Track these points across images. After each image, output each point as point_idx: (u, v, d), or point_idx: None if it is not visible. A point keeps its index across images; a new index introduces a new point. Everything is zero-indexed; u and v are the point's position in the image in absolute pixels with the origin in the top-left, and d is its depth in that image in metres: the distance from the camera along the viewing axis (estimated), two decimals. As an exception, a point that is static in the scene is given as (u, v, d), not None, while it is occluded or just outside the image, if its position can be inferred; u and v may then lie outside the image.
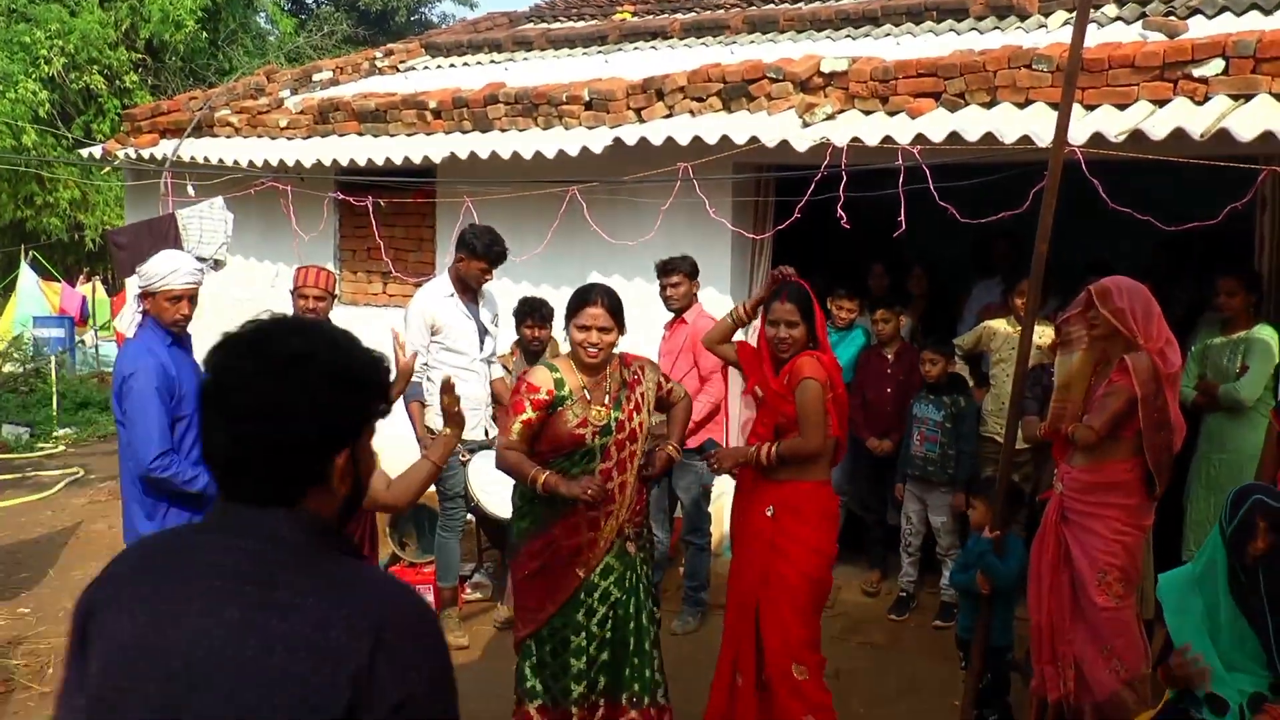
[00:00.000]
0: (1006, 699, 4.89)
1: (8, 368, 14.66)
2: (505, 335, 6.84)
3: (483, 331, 6.36)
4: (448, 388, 3.88)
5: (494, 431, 6.44)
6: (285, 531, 1.80)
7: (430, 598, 6.49)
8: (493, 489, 6.34)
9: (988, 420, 6.81)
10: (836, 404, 4.69)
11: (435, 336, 6.21)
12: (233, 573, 1.76)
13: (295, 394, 1.79)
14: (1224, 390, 5.71)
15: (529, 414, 4.49)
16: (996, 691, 4.87)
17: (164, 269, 4.71)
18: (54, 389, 13.58)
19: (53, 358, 14.45)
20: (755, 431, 4.86)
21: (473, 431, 6.21)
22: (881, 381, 7.02)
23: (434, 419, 5.83)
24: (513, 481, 6.36)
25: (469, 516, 6.71)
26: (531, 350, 6.85)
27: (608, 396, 4.59)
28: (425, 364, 6.23)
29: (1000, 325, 6.86)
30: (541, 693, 4.56)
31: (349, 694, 1.69)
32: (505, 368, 6.86)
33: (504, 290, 7.15)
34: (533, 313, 6.79)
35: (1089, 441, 4.75)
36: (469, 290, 6.35)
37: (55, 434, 12.43)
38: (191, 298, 4.81)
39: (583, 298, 4.56)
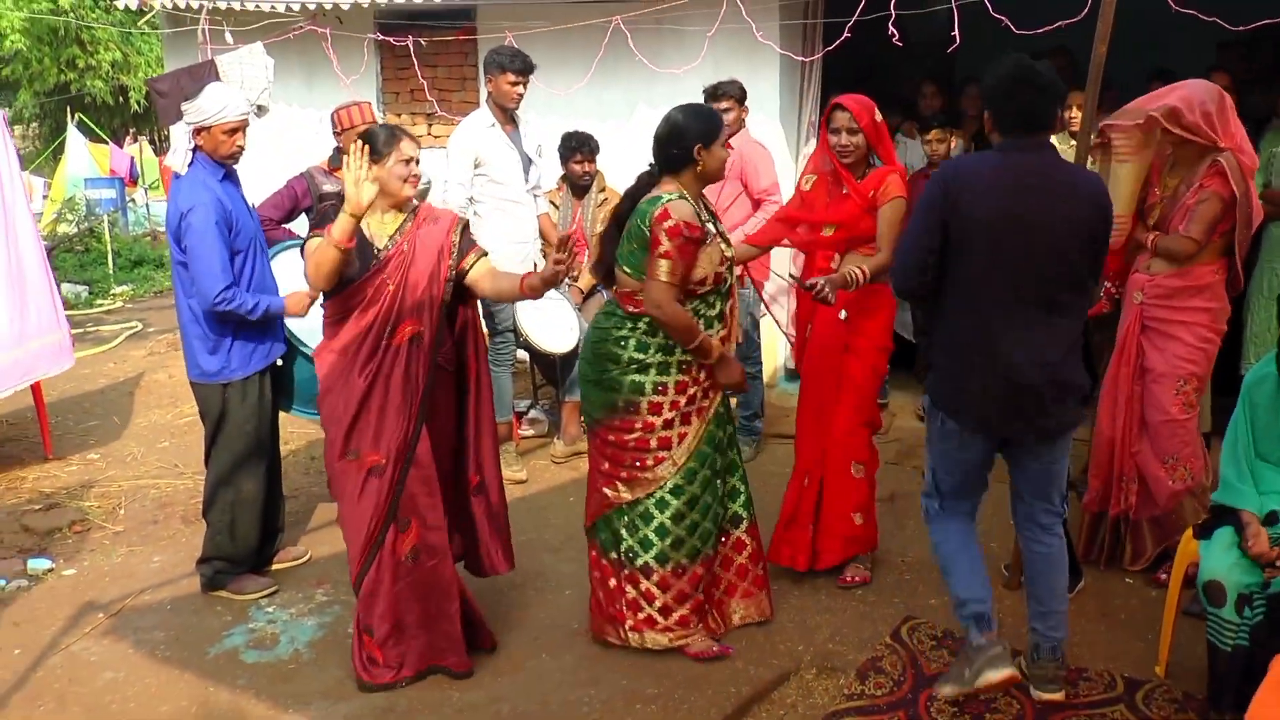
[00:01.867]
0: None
1: (62, 228, 14.79)
2: (551, 170, 6.75)
3: (527, 162, 6.27)
4: (358, 149, 3.92)
5: (541, 264, 6.41)
6: None
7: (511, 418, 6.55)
8: (544, 325, 6.34)
9: None
10: None
11: (479, 169, 6.13)
12: None
13: None
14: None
15: (684, 258, 4.13)
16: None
17: (218, 102, 4.72)
18: (108, 248, 13.72)
19: (105, 217, 14.55)
20: (822, 250, 4.90)
21: (521, 265, 6.17)
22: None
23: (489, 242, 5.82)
24: (564, 316, 6.40)
25: (521, 353, 6.72)
26: (579, 185, 6.77)
27: (718, 228, 4.41)
28: (470, 198, 6.18)
29: (1052, 140, 6.65)
30: (673, 550, 4.36)
31: None
32: (552, 203, 6.79)
33: (550, 126, 7.03)
34: (580, 147, 6.70)
35: (1190, 252, 4.66)
36: (510, 120, 6.24)
37: (112, 291, 12.59)
38: (244, 129, 4.84)
39: (719, 118, 4.37)
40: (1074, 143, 6.24)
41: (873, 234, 4.74)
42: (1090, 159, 4.87)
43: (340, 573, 5.15)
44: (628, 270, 4.23)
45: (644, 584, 4.35)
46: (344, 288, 4.04)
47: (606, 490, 4.38)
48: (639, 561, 4.34)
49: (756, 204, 6.28)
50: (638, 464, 4.30)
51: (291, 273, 5.05)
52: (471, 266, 4.18)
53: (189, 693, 4.27)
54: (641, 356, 4.24)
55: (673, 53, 7.24)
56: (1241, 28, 5.32)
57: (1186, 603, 4.27)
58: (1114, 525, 5.01)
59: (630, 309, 4.25)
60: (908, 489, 6.02)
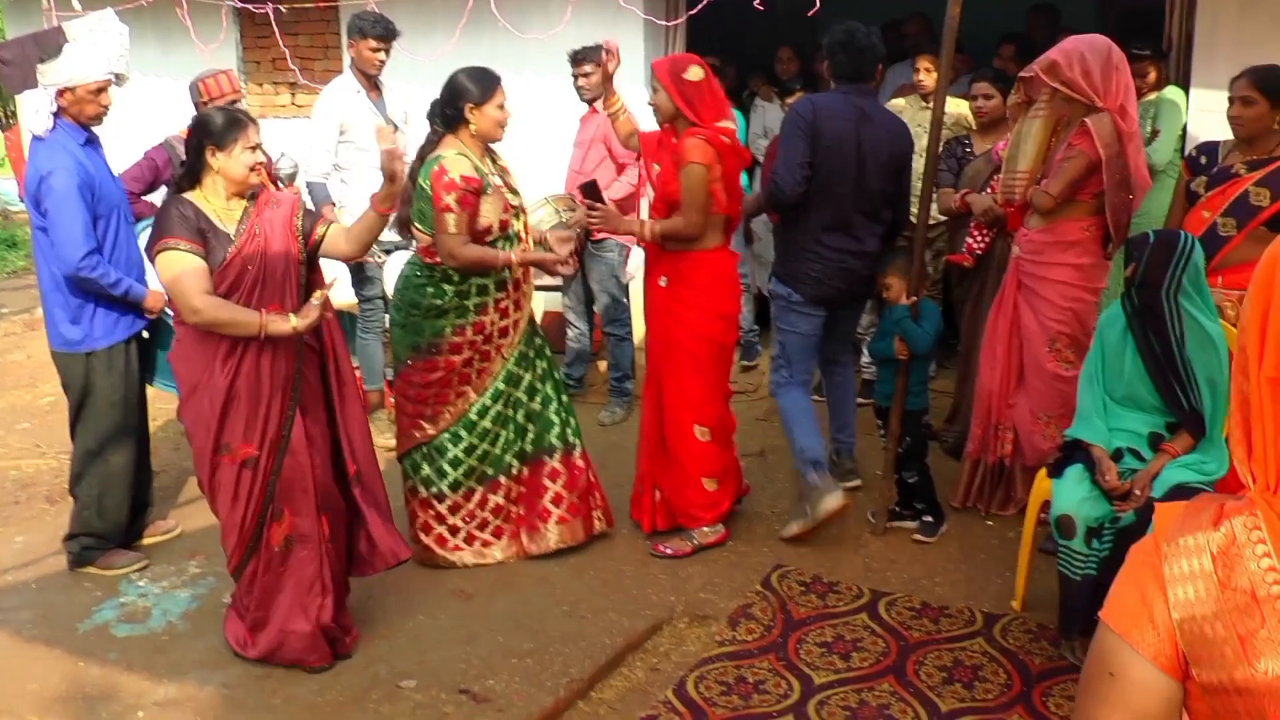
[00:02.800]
0: (925, 461, 5.04)
1: (-97, 207, 14.21)
2: (418, 135, 6.70)
3: (393, 128, 6.22)
4: (388, 144, 3.98)
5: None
6: None
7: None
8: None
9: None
10: (726, 180, 4.78)
11: (343, 136, 6.08)
12: None
13: None
14: (1138, 155, 5.76)
15: (465, 208, 4.51)
16: (915, 454, 5.01)
17: (83, 63, 4.65)
18: (-44, 229, 13.21)
19: (-49, 197, 14.01)
20: (653, 211, 4.99)
21: (388, 232, 6.13)
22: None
23: (347, 220, 5.76)
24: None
25: (389, 318, 6.68)
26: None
27: (504, 179, 4.73)
28: (336, 165, 6.12)
29: (899, 103, 6.87)
30: (465, 478, 4.82)
31: None
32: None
33: (415, 93, 6.95)
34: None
35: (1047, 207, 4.80)
36: (375, 87, 6.20)
37: (-38, 272, 12.14)
38: (108, 89, 4.77)
39: (494, 79, 4.62)
40: (925, 104, 6.46)
41: (676, 195, 4.76)
42: (1011, 117, 5.06)
43: (213, 546, 5.05)
44: (420, 227, 4.61)
45: (437, 507, 4.84)
46: None
47: (413, 430, 4.82)
48: (433, 489, 4.83)
49: (620, 168, 6.33)
50: (440, 400, 4.74)
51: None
52: (322, 236, 4.11)
53: (59, 669, 4.20)
54: (439, 302, 4.64)
55: (537, 17, 7.24)
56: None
57: (1041, 540, 4.47)
58: (993, 472, 5.20)
59: (427, 260, 4.62)
60: (777, 443, 6.14)
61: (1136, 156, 4.77)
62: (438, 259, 4.58)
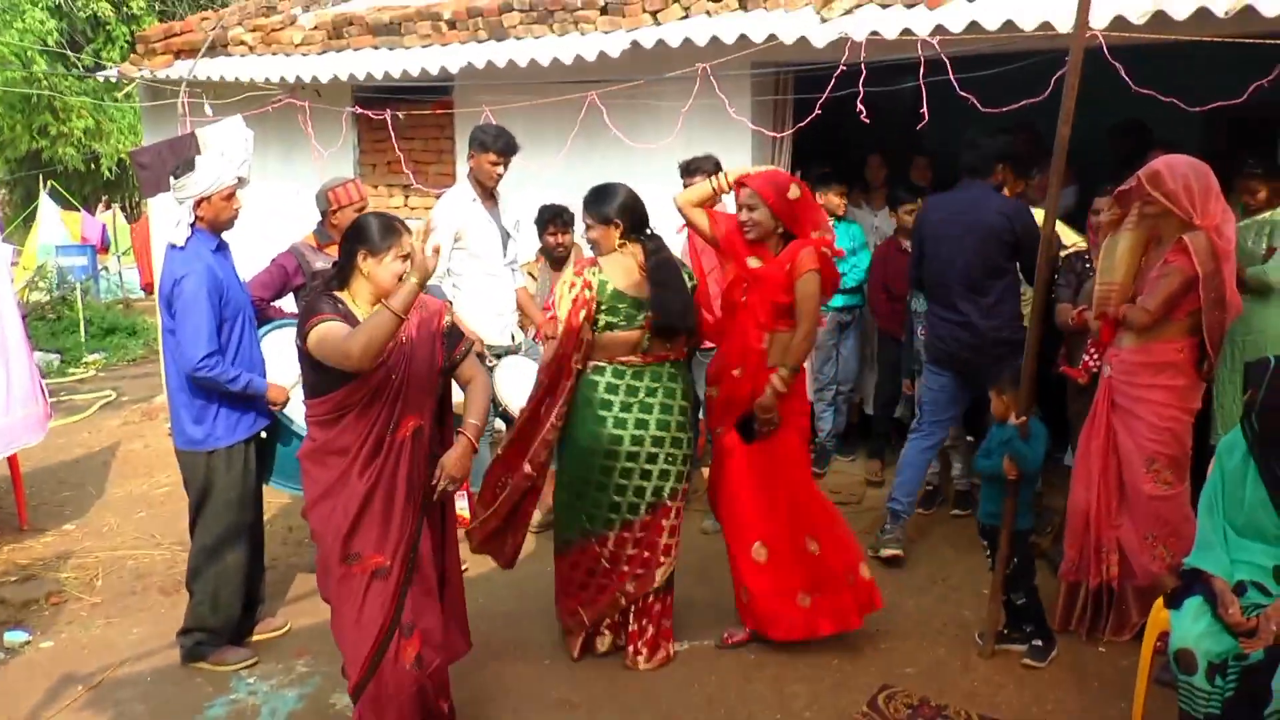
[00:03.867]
0: (1033, 582, 4.95)
1: (34, 296, 14.77)
2: (529, 243, 6.86)
3: (505, 236, 6.38)
4: (425, 232, 3.82)
5: (520, 337, 6.50)
6: None
7: (464, 504, 6.58)
8: (521, 393, 6.39)
9: None
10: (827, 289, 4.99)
11: (458, 243, 6.23)
12: None
13: None
14: (1251, 273, 5.68)
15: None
16: (1023, 575, 4.93)
17: (214, 171, 4.87)
18: (80, 315, 13.71)
19: (77, 285, 14.56)
20: (750, 308, 4.94)
21: (499, 337, 6.29)
22: (903, 277, 7.06)
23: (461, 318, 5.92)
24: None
25: (499, 424, 6.78)
26: (555, 257, 6.89)
27: None
28: (449, 269, 6.27)
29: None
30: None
31: None
32: (530, 275, 6.90)
33: (527, 199, 7.15)
34: (554, 219, 6.84)
35: (1143, 324, 4.78)
36: (490, 196, 6.37)
37: (85, 359, 12.58)
38: (237, 193, 4.99)
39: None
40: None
41: (786, 304, 4.84)
42: (1099, 234, 5.08)
43: (320, 643, 5.18)
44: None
45: None
46: (347, 381, 3.82)
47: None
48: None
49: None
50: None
51: (280, 351, 5.14)
52: (463, 358, 4.11)
53: (172, 766, 4.28)
54: None
55: (648, 127, 7.38)
56: (1197, 109, 5.50)
57: (1159, 671, 4.35)
58: (1096, 595, 5.08)
59: None
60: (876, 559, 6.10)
61: (1231, 277, 4.73)
62: None
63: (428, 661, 3.97)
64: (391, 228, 3.92)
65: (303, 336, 3.83)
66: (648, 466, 4.79)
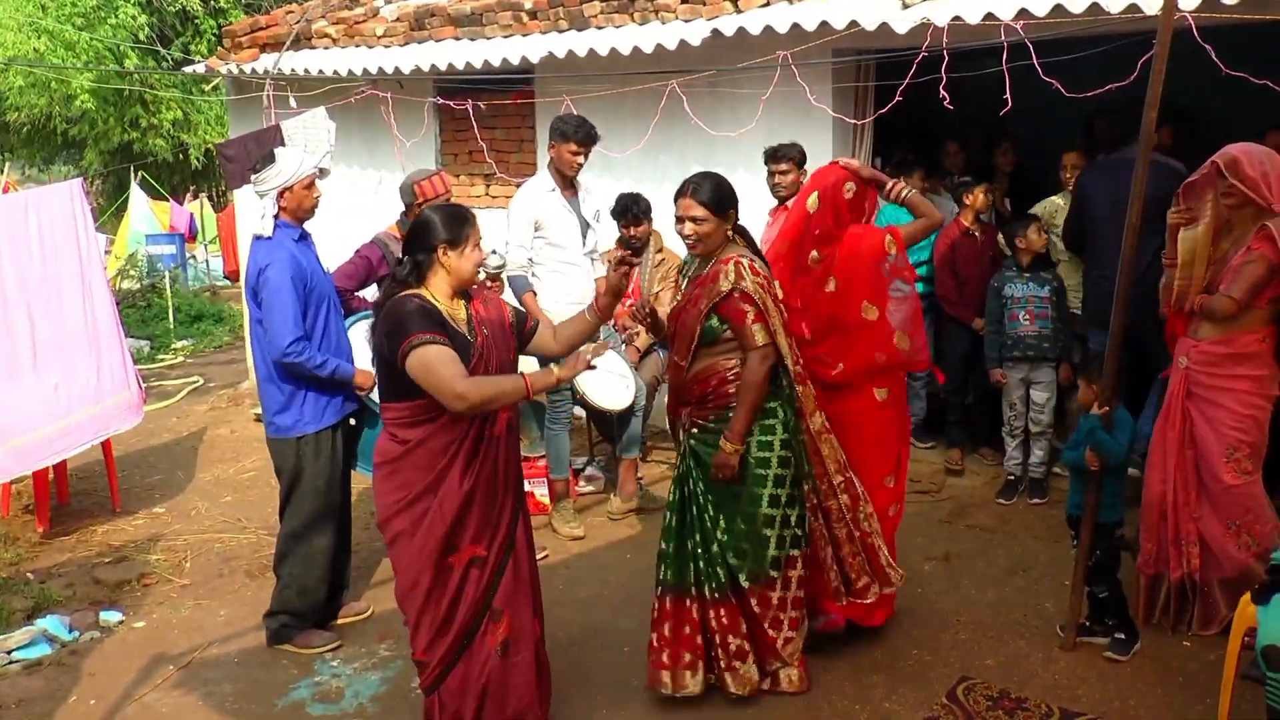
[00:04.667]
0: (1116, 575, 4.88)
1: (125, 284, 15.10)
2: (608, 233, 6.88)
3: (585, 226, 6.41)
4: (583, 362, 3.87)
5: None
6: None
7: (544, 490, 6.64)
8: (599, 382, 6.44)
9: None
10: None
11: (538, 232, 6.27)
12: None
13: None
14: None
15: None
16: (1106, 568, 4.85)
17: (294, 161, 4.96)
18: (169, 303, 14.00)
19: (166, 273, 14.87)
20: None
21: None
22: (977, 260, 7.01)
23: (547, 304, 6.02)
24: (621, 373, 6.51)
25: (578, 410, 6.82)
26: (632, 247, 6.89)
27: None
28: (530, 259, 6.32)
29: (1058, 199, 6.93)
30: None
31: None
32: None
33: (606, 188, 7.18)
34: (627, 210, 6.85)
35: (1229, 312, 4.71)
36: (570, 186, 6.40)
37: (174, 346, 12.85)
38: (316, 181, 5.06)
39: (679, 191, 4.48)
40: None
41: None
42: (1170, 230, 4.99)
43: (403, 627, 5.23)
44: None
45: None
46: None
47: None
48: None
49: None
50: None
51: (368, 340, 5.20)
52: (532, 331, 4.16)
53: (258, 745, 4.37)
54: None
55: (727, 116, 7.37)
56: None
57: (1246, 666, 4.27)
58: (1179, 588, 5.01)
59: None
60: (961, 547, 6.05)
61: None
62: None
63: (514, 650, 3.99)
64: (464, 217, 3.93)
65: (397, 353, 3.73)
66: None
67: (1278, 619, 3.73)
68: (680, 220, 4.40)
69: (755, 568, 4.37)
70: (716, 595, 4.39)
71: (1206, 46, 5.21)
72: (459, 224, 3.90)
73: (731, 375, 4.32)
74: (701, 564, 4.38)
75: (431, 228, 3.88)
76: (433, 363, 3.68)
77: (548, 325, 4.29)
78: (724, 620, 4.40)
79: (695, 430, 4.42)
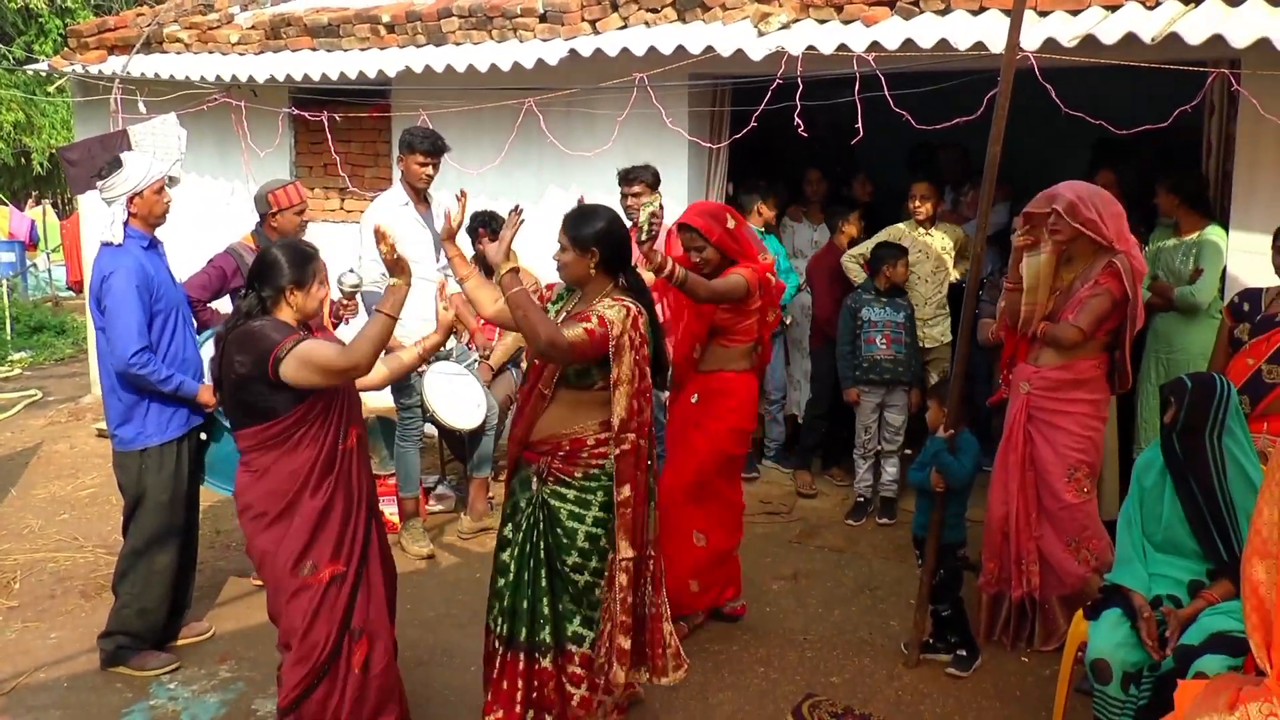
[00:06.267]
0: (959, 594, 5.02)
1: (-42, 293, 14.50)
2: (464, 248, 6.81)
3: (438, 242, 6.35)
4: (381, 236, 3.88)
5: (451, 342, 6.47)
6: None
7: (394, 509, 6.56)
8: (452, 401, 6.38)
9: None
10: (764, 310, 5.24)
11: (392, 249, 6.19)
12: None
13: None
14: (1180, 293, 5.82)
15: None
16: (949, 587, 4.99)
17: (142, 166, 4.85)
18: (7, 313, 13.48)
19: (4, 282, 14.30)
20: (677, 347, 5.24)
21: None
22: (840, 286, 7.16)
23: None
24: (472, 393, 6.45)
25: (429, 428, 6.75)
26: (487, 264, 6.86)
27: None
28: (383, 274, 6.23)
29: (905, 229, 7.09)
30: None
31: None
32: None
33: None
34: (483, 225, 6.83)
35: (1074, 341, 4.91)
36: (423, 200, 6.35)
37: (10, 358, 12.37)
38: (166, 186, 4.95)
39: None
40: (920, 230, 6.74)
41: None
42: (1015, 256, 5.16)
43: (244, 649, 5.14)
44: None
45: None
46: (302, 400, 3.83)
47: None
48: None
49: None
50: None
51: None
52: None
53: (87, 773, 4.21)
54: None
55: (584, 135, 7.40)
56: (1125, 131, 5.62)
57: (1078, 680, 4.42)
58: (1019, 606, 5.16)
59: None
60: (810, 567, 6.15)
61: (1138, 299, 4.93)
62: None
63: (374, 663, 4.00)
64: (308, 256, 3.99)
65: (267, 369, 3.75)
66: None
67: (1107, 635, 3.89)
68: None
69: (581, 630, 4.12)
70: (555, 654, 4.13)
71: (1047, 85, 5.42)
72: (303, 264, 3.95)
73: (607, 437, 4.03)
74: (540, 624, 4.11)
75: (277, 269, 3.93)
76: (308, 354, 3.74)
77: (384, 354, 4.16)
78: (555, 679, 4.13)
79: (553, 483, 4.08)
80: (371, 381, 4.23)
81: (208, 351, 5.16)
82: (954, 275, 7.03)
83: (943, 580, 5.00)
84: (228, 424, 4.96)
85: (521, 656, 4.12)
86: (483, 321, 6.17)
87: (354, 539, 3.95)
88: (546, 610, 4.07)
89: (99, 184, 4.82)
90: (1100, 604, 4.07)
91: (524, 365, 6.96)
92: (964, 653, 4.99)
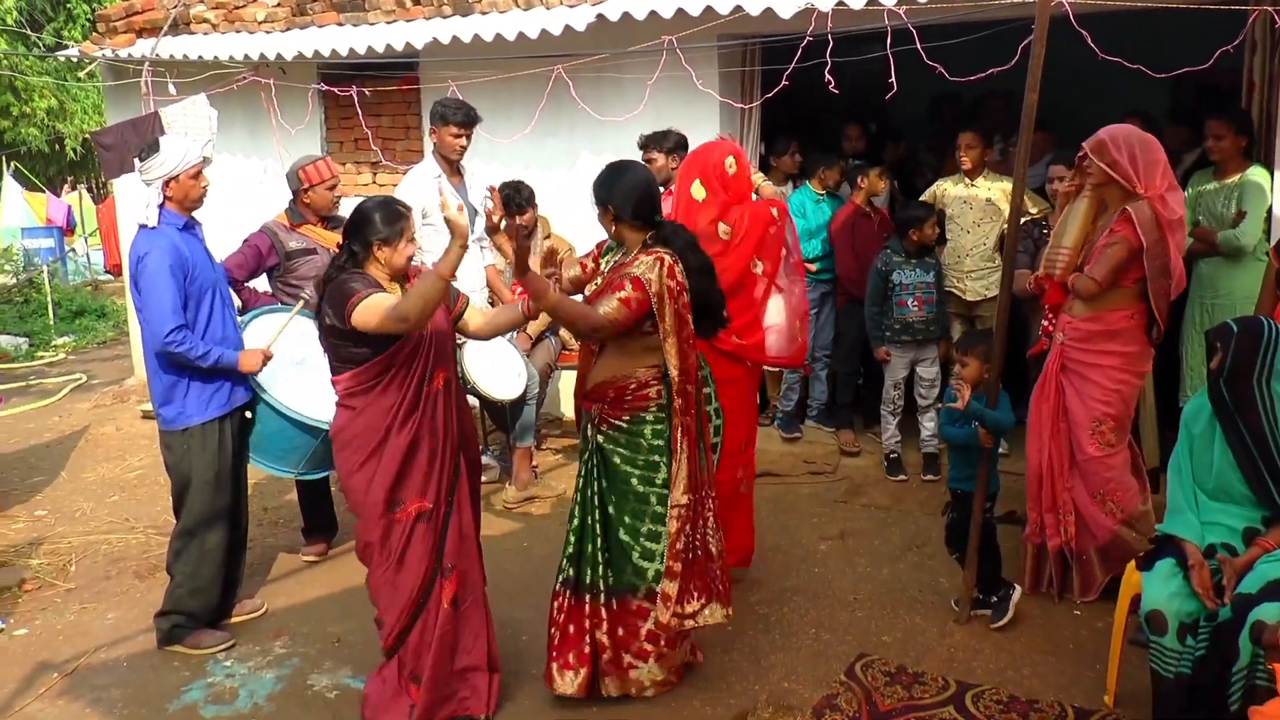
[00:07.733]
0: (994, 542, 5.00)
1: (0, 279, 14.63)
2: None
3: (473, 212, 6.35)
4: (444, 203, 3.92)
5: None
6: None
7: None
8: (492, 372, 6.40)
9: (948, 275, 6.99)
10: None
11: (425, 220, 6.19)
12: None
13: None
14: (1223, 236, 5.73)
15: None
16: (982, 537, 4.96)
17: (180, 150, 4.86)
18: (48, 298, 13.60)
19: (44, 267, 14.44)
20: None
21: (470, 314, 6.25)
22: (876, 241, 7.11)
23: None
24: (511, 362, 6.47)
25: (471, 400, 6.76)
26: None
27: None
28: (420, 247, 6.24)
29: (948, 185, 7.02)
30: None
31: None
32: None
33: (495, 174, 7.13)
34: (509, 200, 6.81)
35: (1091, 292, 4.82)
36: (456, 171, 6.34)
37: (54, 342, 12.49)
38: (203, 169, 4.97)
39: None
40: (967, 182, 6.65)
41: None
42: (1060, 203, 5.09)
43: (297, 625, 5.18)
44: None
45: None
46: (390, 343, 4.01)
47: None
48: None
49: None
50: None
51: (263, 336, 5.15)
52: (462, 311, 4.35)
53: (150, 750, 4.27)
54: None
55: (614, 101, 7.36)
56: (1163, 75, 5.52)
57: (1132, 632, 4.38)
58: (1059, 557, 5.13)
59: None
60: (856, 526, 6.13)
61: (1177, 248, 4.80)
62: None
63: (462, 600, 4.19)
64: (399, 214, 4.14)
65: (345, 316, 3.96)
66: None
67: (1160, 585, 3.86)
68: None
69: (657, 572, 4.23)
70: (614, 598, 4.28)
71: (1083, 32, 5.34)
72: (394, 221, 4.11)
73: (651, 379, 4.20)
74: (601, 568, 4.27)
75: (369, 224, 4.10)
76: (372, 304, 3.93)
77: (475, 309, 4.46)
78: (619, 623, 4.29)
79: (605, 429, 4.26)
80: (471, 331, 4.46)
81: (249, 334, 5.19)
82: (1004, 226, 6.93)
83: (953, 522, 5.04)
84: (272, 401, 5.03)
85: (587, 600, 4.29)
86: (519, 290, 6.16)
87: (441, 477, 4.14)
88: (605, 554, 4.26)
89: (139, 165, 4.83)
90: (1153, 554, 4.03)
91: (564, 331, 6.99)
92: (995, 599, 4.98)
